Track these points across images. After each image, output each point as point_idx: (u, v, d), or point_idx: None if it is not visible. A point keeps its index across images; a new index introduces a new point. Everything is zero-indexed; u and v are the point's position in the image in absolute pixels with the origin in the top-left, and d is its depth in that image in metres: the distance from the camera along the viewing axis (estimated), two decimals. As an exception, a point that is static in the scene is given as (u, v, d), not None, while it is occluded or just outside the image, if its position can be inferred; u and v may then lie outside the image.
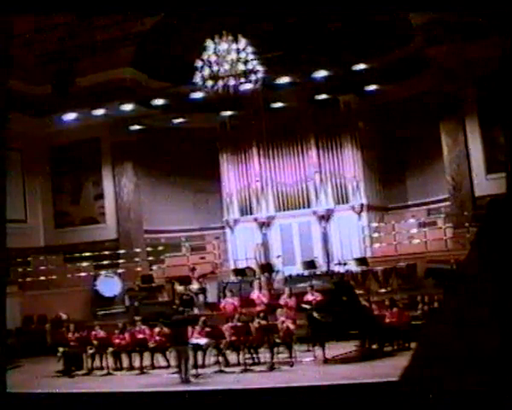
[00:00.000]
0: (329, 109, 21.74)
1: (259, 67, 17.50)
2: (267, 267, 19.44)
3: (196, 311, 14.91)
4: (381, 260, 19.68)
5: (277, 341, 13.18)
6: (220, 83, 17.43)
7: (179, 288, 18.84)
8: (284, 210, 22.02)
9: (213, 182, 23.25)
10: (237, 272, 19.49)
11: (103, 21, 19.17)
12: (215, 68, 17.32)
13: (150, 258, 22.50)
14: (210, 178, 23.47)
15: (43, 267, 21.35)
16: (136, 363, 14.20)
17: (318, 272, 19.22)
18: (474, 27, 18.09)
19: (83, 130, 21.95)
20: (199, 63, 17.48)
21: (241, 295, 17.07)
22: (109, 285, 20.59)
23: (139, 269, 21.71)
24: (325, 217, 21.43)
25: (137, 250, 22.19)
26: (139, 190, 22.83)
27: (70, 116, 21.13)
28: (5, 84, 13.46)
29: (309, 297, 15.41)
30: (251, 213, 22.24)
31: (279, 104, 21.85)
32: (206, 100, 19.84)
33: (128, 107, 21.22)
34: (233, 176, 22.59)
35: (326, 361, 12.75)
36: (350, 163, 21.43)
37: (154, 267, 22.08)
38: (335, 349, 13.20)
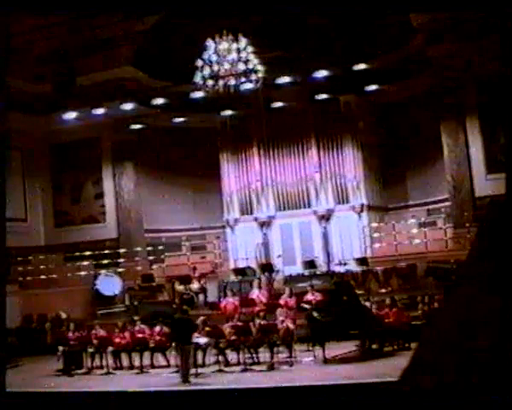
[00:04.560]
0: (330, 109, 21.73)
1: (260, 67, 17.49)
2: (267, 267, 19.44)
3: (201, 314, 14.85)
4: (382, 260, 19.68)
5: (277, 341, 13.18)
6: (220, 82, 17.43)
7: (179, 287, 18.86)
8: (284, 210, 22.02)
9: (214, 181, 23.24)
10: (237, 271, 19.49)
11: (104, 20, 19.16)
12: (215, 68, 17.31)
13: (150, 257, 22.49)
14: (210, 178, 23.46)
15: (43, 266, 21.33)
16: (136, 362, 14.20)
17: (318, 272, 19.18)
18: (474, 27, 18.09)
19: (83, 129, 21.95)
20: (199, 63, 17.47)
21: (241, 294, 17.08)
22: (109, 284, 20.59)
23: (139, 268, 21.70)
24: (325, 217, 21.42)
25: (138, 249, 22.19)
26: (139, 189, 22.83)
27: (70, 115, 21.11)
28: (5, 83, 13.46)
29: (309, 297, 15.42)
30: (251, 213, 22.24)
31: (279, 104, 21.83)
32: (207, 99, 19.83)
33: (128, 106, 21.20)
34: (233, 175, 22.59)
35: (326, 361, 12.75)
36: (350, 163, 21.43)
37: (155, 267, 22.08)
38: (335, 349, 13.20)
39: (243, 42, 17.36)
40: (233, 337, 13.49)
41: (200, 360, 13.43)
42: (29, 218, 22.54)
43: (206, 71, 17.39)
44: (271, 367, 12.90)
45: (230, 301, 16.06)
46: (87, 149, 22.81)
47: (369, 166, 21.96)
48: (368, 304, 14.33)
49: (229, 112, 22.39)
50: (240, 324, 13.88)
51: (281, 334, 13.20)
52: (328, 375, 11.71)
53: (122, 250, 22.10)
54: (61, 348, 14.70)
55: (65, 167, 23.07)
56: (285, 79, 20.28)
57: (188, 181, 24.06)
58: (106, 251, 22.03)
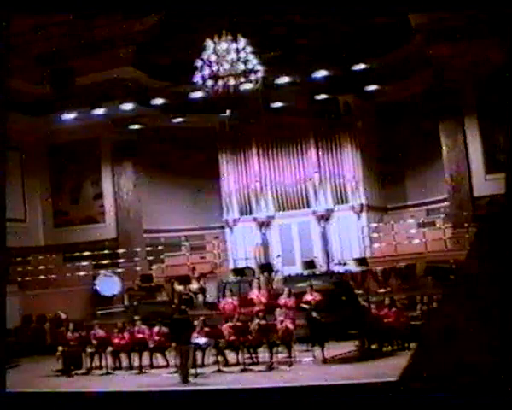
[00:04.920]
0: (329, 109, 21.73)
1: (259, 67, 17.48)
2: (266, 267, 19.45)
3: (200, 315, 14.84)
4: (381, 260, 19.68)
5: (276, 341, 13.18)
6: (220, 82, 17.42)
7: (179, 287, 18.86)
8: (284, 210, 22.03)
9: (213, 182, 23.24)
10: (237, 271, 19.49)
11: (103, 21, 19.15)
12: (215, 68, 17.31)
13: (150, 257, 22.50)
14: (209, 178, 23.46)
15: (42, 267, 21.35)
16: (136, 363, 14.20)
17: (318, 272, 19.20)
18: (474, 27, 18.10)
19: (82, 129, 21.94)
20: (199, 63, 17.47)
21: (240, 294, 17.08)
22: (109, 285, 20.58)
23: (138, 268, 21.71)
24: (324, 217, 21.43)
25: (137, 250, 22.18)
26: (139, 189, 22.82)
27: (69, 115, 21.11)
28: (4, 83, 13.45)
29: (308, 297, 15.41)
30: (250, 213, 22.24)
31: (279, 104, 21.82)
32: (206, 100, 19.82)
33: (128, 106, 21.20)
34: (232, 176, 22.59)
35: (325, 361, 12.75)
36: (349, 163, 21.44)
37: (154, 267, 22.07)
38: (335, 349, 13.20)
39: (242, 42, 17.36)
40: (232, 337, 13.49)
41: (199, 361, 13.43)
42: (28, 218, 22.53)
43: (206, 71, 17.39)
44: (271, 367, 12.90)
45: (229, 302, 16.05)
46: (86, 149, 22.81)
47: (368, 167, 21.96)
48: (367, 304, 14.34)
49: (228, 112, 22.38)
50: (239, 324, 13.87)
51: (280, 334, 13.20)
52: (327, 375, 11.71)
53: (121, 250, 22.10)
54: (60, 348, 14.71)
55: (64, 167, 23.07)
56: (284, 79, 20.27)
57: (187, 181, 24.05)
58: (105, 251, 22.03)
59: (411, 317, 13.92)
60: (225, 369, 13.23)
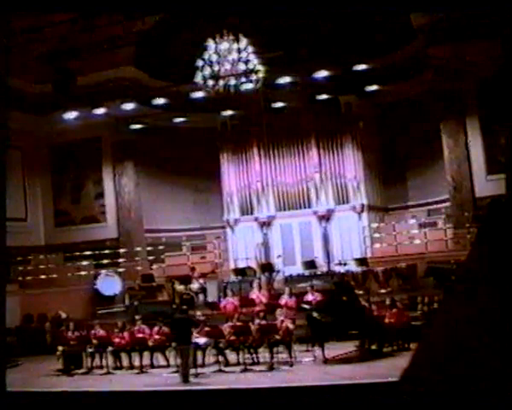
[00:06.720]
0: (330, 109, 21.73)
1: (260, 67, 17.50)
2: (267, 267, 19.44)
3: (199, 313, 14.83)
4: (382, 260, 19.68)
5: (277, 340, 13.17)
6: (221, 82, 17.44)
7: (179, 287, 18.85)
8: (285, 210, 22.02)
9: (214, 181, 23.25)
10: (237, 271, 19.50)
11: (104, 20, 19.15)
12: (216, 68, 17.32)
13: (150, 257, 22.50)
14: (210, 178, 23.48)
15: (43, 266, 21.39)
16: (136, 362, 14.19)
17: (318, 272, 19.22)
18: (474, 28, 18.09)
19: (83, 129, 21.94)
20: (200, 63, 17.48)
21: (241, 294, 17.08)
22: (109, 284, 20.59)
23: (139, 268, 21.72)
24: (325, 217, 21.42)
25: (138, 249, 22.20)
26: (140, 189, 22.84)
27: (71, 115, 21.12)
28: (5, 83, 13.45)
29: (309, 297, 15.41)
30: (251, 213, 22.23)
31: (280, 104, 21.84)
32: (207, 99, 19.84)
33: (129, 106, 21.22)
34: (233, 175, 22.58)
35: (326, 361, 12.74)
36: (350, 163, 21.42)
37: (155, 266, 22.08)
38: (335, 349, 13.20)
39: (244, 42, 17.37)
40: (232, 337, 13.48)
41: (199, 360, 13.43)
42: (29, 217, 22.54)
43: (207, 71, 17.40)
44: (271, 367, 12.89)
45: (230, 302, 16.06)
46: (87, 148, 22.81)
47: (369, 167, 21.95)
48: (367, 304, 14.33)
49: (229, 112, 22.39)
50: (239, 324, 13.87)
51: (280, 334, 13.19)
52: (327, 375, 11.70)
53: (122, 250, 22.11)
54: (60, 347, 14.71)
55: (65, 167, 23.08)
56: (285, 79, 20.29)
57: (188, 181, 24.07)
58: (106, 251, 22.05)
59: (412, 317, 13.92)
60: (226, 369, 13.22)
